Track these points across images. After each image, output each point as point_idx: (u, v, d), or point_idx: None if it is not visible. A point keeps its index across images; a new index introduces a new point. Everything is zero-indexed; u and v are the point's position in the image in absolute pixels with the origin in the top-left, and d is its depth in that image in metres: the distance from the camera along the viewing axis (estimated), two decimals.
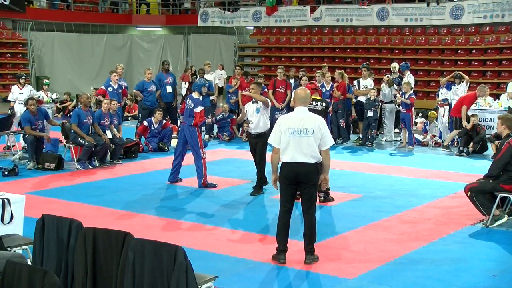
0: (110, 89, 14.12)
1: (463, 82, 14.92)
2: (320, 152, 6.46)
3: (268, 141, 6.77)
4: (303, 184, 6.47)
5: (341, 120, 15.04)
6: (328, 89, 15.07)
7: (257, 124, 9.73)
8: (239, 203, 9.30)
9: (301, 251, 6.98)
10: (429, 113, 15.41)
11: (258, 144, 9.78)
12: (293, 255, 6.88)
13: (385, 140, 15.66)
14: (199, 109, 10.21)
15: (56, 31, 27.41)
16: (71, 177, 11.20)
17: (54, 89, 25.41)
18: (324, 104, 9.36)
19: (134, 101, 18.71)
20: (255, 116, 9.73)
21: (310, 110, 7.74)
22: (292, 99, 7.54)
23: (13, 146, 13.35)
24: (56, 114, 19.29)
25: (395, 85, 15.49)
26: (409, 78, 15.81)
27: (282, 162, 6.53)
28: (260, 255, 6.86)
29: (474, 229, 8.00)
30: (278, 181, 6.60)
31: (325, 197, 9.25)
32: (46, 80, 16.89)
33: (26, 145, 12.03)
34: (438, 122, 15.18)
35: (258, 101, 9.72)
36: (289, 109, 11.90)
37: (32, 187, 10.25)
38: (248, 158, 12.94)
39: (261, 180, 9.90)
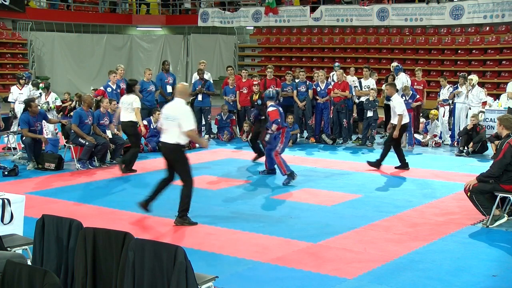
0: (109, 89, 14.11)
1: (466, 83, 14.82)
2: None
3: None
4: None
5: (344, 120, 15.00)
6: (322, 88, 15.14)
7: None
8: (239, 203, 9.30)
9: (300, 251, 6.99)
10: (430, 111, 15.39)
11: None
12: (293, 255, 6.88)
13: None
14: None
15: (56, 31, 27.44)
16: (71, 177, 11.19)
17: (54, 89, 25.47)
18: None
19: None
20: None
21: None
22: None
23: (14, 148, 13.33)
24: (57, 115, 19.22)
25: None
26: (399, 79, 15.66)
27: None
28: (260, 255, 6.86)
29: (474, 229, 7.99)
30: None
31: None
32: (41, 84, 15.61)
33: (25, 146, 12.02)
34: (438, 122, 15.15)
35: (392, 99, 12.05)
36: (281, 106, 11.93)
37: (32, 187, 10.24)
38: (248, 158, 12.97)
39: None
